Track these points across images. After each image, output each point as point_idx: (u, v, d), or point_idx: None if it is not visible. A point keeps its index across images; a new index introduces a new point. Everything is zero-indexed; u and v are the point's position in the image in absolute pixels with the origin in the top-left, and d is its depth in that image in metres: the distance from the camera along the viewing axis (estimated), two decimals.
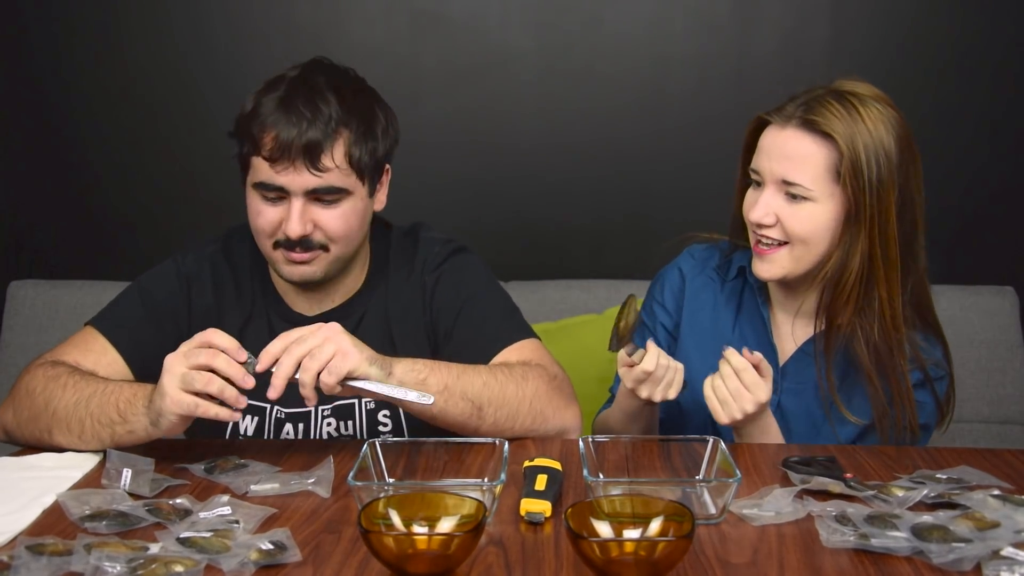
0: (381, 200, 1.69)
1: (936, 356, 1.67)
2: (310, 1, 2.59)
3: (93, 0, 2.59)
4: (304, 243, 1.57)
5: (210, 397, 1.35)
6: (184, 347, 1.37)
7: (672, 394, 1.55)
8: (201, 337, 1.38)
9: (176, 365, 1.35)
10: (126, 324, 1.63)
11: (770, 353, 1.68)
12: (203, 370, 1.34)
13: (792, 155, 1.57)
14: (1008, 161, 2.61)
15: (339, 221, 1.58)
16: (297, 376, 1.38)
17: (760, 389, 1.52)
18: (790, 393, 1.69)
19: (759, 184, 1.62)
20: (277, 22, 2.60)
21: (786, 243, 1.60)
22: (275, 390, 1.38)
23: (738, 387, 1.51)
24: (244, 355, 1.37)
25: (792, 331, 1.72)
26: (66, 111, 2.64)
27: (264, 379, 1.38)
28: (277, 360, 1.38)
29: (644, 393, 1.54)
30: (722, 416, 1.53)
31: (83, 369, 1.55)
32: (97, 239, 2.69)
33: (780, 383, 1.69)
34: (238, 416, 1.37)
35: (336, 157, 1.55)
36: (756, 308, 1.74)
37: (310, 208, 1.57)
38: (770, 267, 1.62)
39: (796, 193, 1.57)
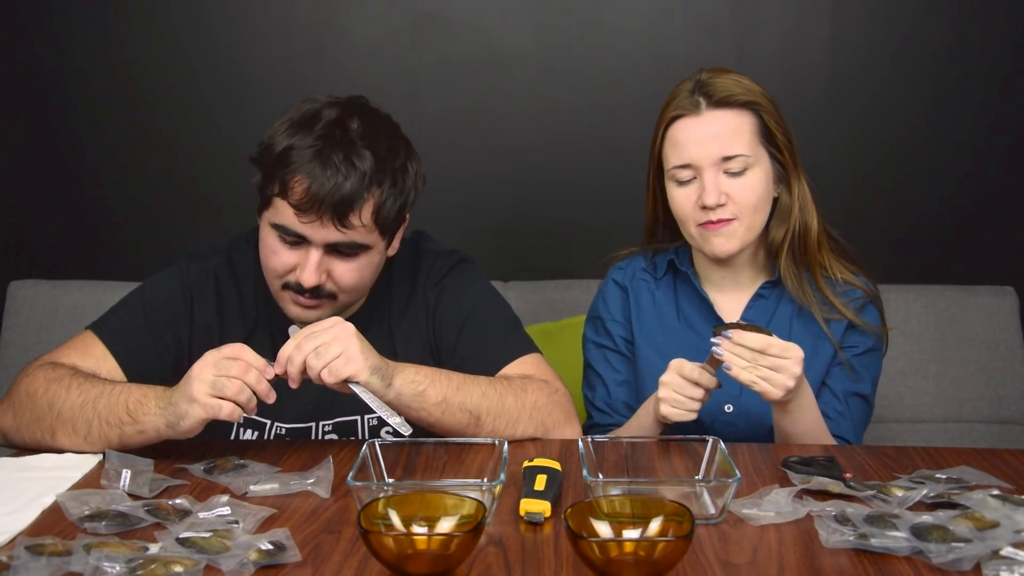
0: (395, 246, 1.68)
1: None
2: (310, 1, 2.59)
3: (93, 0, 2.59)
4: (314, 291, 1.57)
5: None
6: (212, 357, 1.38)
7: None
8: (231, 351, 1.39)
9: (206, 372, 1.37)
10: (126, 333, 1.63)
11: None
12: (233, 380, 1.38)
13: (723, 133, 1.65)
14: (1008, 161, 2.62)
15: (354, 274, 1.58)
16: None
17: (791, 348, 1.48)
18: None
19: (686, 182, 1.67)
20: (277, 22, 2.60)
21: (734, 219, 1.66)
22: (293, 382, 1.43)
23: (775, 361, 1.47)
24: (272, 372, 1.41)
25: (731, 305, 1.77)
26: (66, 111, 2.64)
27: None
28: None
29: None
30: (775, 392, 1.49)
31: (84, 371, 1.54)
32: (97, 239, 2.69)
33: None
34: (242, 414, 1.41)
35: (364, 216, 1.53)
36: (695, 292, 1.78)
37: (327, 258, 1.56)
38: (727, 241, 1.67)
39: (736, 168, 1.64)
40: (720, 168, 1.64)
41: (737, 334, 1.47)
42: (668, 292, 1.81)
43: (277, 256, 1.57)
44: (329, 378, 1.40)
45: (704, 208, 1.65)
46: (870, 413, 1.77)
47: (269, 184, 1.55)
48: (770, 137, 1.68)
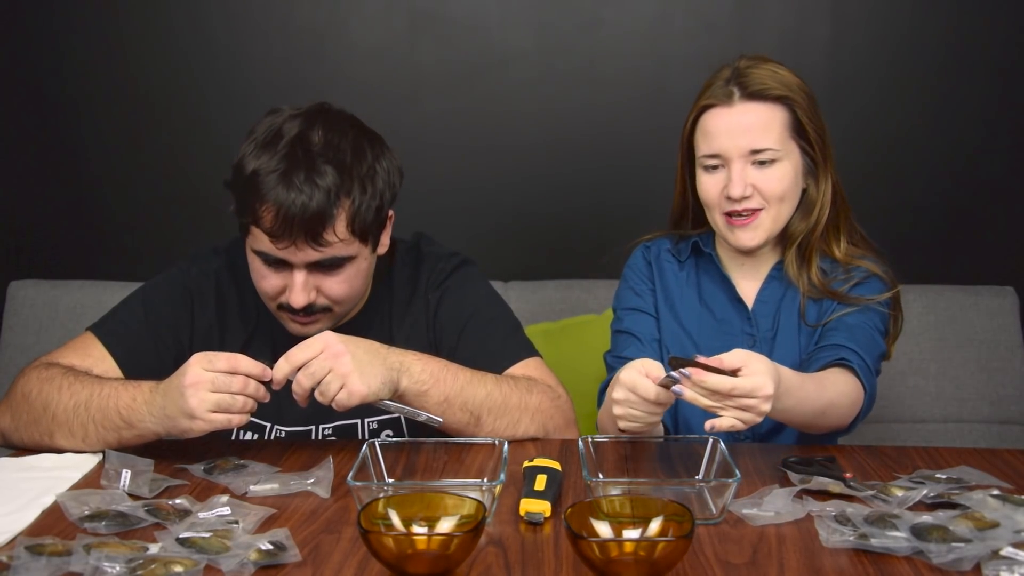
0: (384, 243, 1.66)
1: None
2: (310, 1, 2.59)
3: (93, 0, 2.59)
4: (307, 309, 1.57)
5: None
6: (207, 374, 1.37)
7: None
8: (227, 363, 1.38)
9: (202, 389, 1.36)
10: (126, 334, 1.63)
11: (741, 308, 1.74)
12: (237, 396, 1.38)
13: (752, 125, 1.65)
14: (1008, 161, 2.61)
15: (343, 286, 1.57)
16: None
17: (760, 387, 1.34)
18: (768, 336, 1.72)
19: (715, 168, 1.67)
20: (277, 22, 2.60)
21: (761, 209, 1.66)
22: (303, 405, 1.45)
23: (743, 402, 1.33)
24: (269, 374, 1.41)
25: (751, 290, 1.76)
26: (66, 111, 2.64)
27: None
28: (287, 375, 1.42)
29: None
30: (754, 420, 1.37)
31: (77, 370, 1.54)
32: (97, 239, 2.69)
33: (758, 334, 1.73)
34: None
35: (338, 230, 1.52)
36: (717, 272, 1.78)
37: (313, 276, 1.55)
38: (754, 233, 1.67)
39: (765, 159, 1.64)
40: (748, 160, 1.64)
41: (697, 375, 1.32)
42: (691, 274, 1.81)
43: (266, 280, 1.57)
44: (341, 409, 1.42)
45: (730, 198, 1.65)
46: (878, 351, 1.66)
47: (243, 213, 1.55)
48: (802, 131, 1.68)
